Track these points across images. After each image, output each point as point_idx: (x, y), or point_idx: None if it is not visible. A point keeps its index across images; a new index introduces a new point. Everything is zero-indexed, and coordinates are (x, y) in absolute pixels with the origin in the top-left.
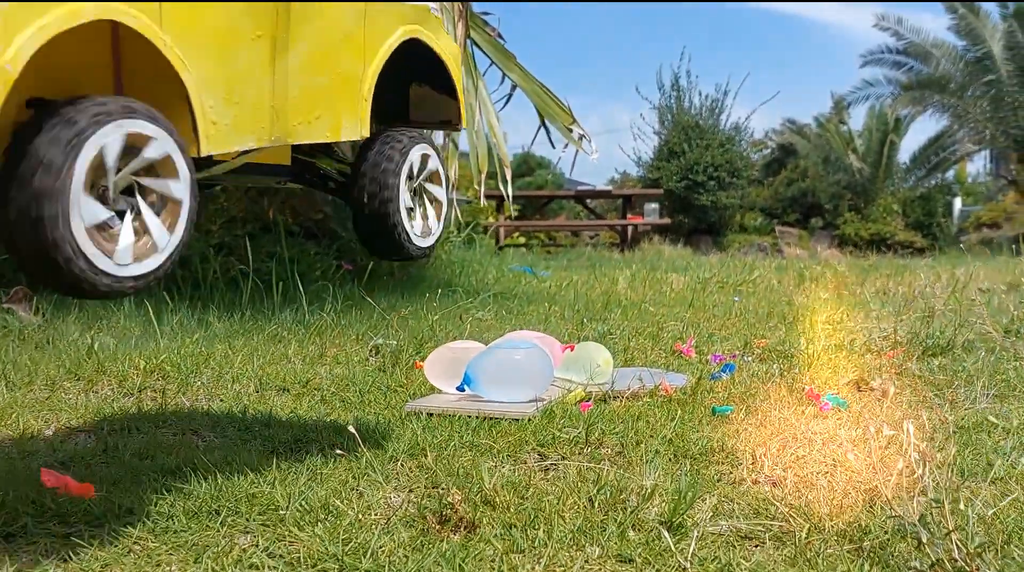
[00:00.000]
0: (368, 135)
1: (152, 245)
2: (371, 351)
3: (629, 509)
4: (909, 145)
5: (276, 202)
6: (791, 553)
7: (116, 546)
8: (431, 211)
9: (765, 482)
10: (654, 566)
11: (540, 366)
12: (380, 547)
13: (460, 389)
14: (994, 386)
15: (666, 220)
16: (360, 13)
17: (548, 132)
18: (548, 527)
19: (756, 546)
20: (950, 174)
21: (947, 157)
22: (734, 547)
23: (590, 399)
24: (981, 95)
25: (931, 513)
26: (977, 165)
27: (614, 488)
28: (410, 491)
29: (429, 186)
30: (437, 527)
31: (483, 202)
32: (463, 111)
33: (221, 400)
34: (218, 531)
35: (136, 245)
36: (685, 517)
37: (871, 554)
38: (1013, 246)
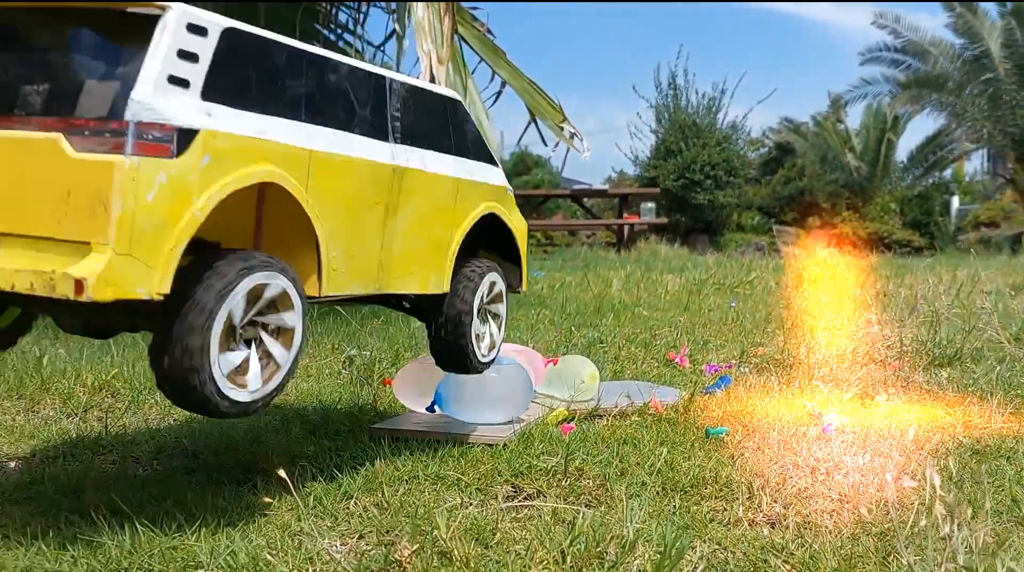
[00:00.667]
0: (448, 290)
1: (275, 367)
2: (344, 363)
3: (607, 564)
4: (907, 144)
5: None
6: None
7: None
8: (494, 327)
9: (763, 522)
10: None
11: (518, 385)
12: None
13: (430, 409)
14: (1010, 402)
15: (663, 219)
16: (455, 189)
17: (539, 130)
18: None
19: None
20: (948, 173)
21: (945, 156)
22: None
23: (573, 419)
24: (979, 94)
25: None
26: (975, 164)
27: (591, 537)
28: (360, 537)
29: (492, 306)
30: None
31: None
32: (525, 277)
33: (174, 420)
34: None
35: (263, 371)
36: None
37: None
38: (1013, 246)
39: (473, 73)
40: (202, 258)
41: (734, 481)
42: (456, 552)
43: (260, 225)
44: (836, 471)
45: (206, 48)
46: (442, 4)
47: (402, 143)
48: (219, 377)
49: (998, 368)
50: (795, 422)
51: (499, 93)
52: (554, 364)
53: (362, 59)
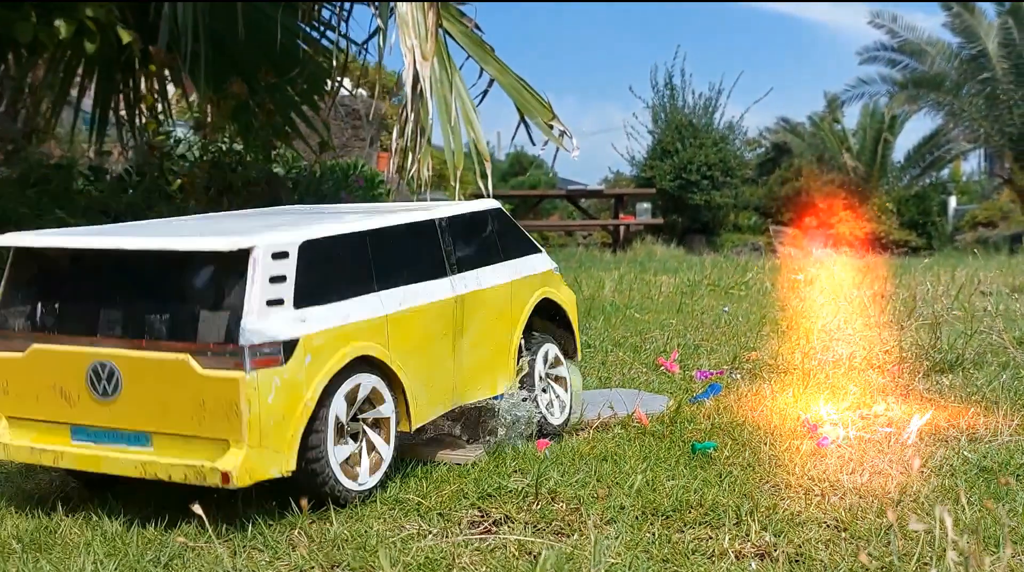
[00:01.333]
0: (516, 384)
1: (380, 459)
2: None
3: None
4: (904, 144)
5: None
6: None
7: None
8: (559, 390)
9: (751, 554)
10: None
11: None
12: None
13: None
14: (1016, 413)
15: (658, 220)
16: (509, 293)
17: (528, 128)
18: None
19: None
20: (945, 173)
21: (942, 155)
22: None
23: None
24: (976, 93)
25: None
26: (972, 164)
27: None
28: None
29: (553, 370)
30: None
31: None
32: (579, 345)
33: None
34: None
35: (370, 461)
36: None
37: None
38: (1011, 245)
39: (460, 69)
40: None
41: (720, 505)
42: None
43: None
44: (832, 492)
45: (290, 267)
46: (426, 1)
47: (458, 272)
48: (340, 474)
49: (1003, 375)
50: (788, 435)
51: (486, 91)
52: None
53: (345, 56)
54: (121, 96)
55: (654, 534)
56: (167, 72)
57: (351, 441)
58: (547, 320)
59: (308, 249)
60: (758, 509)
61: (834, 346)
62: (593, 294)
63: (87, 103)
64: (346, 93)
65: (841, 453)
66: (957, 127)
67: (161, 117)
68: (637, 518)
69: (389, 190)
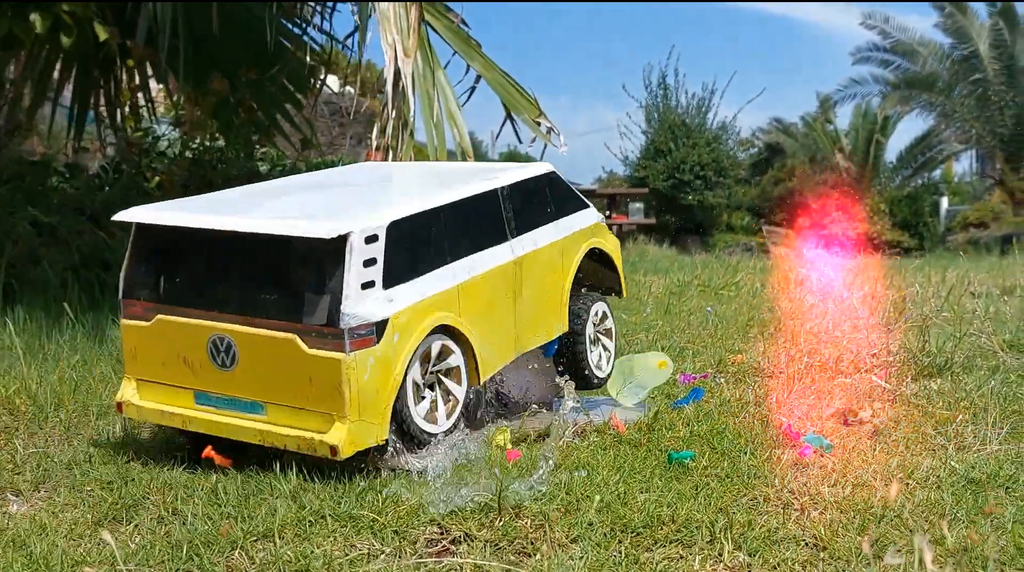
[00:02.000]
0: (568, 329)
1: (456, 402)
2: None
3: None
4: (896, 144)
5: None
6: None
7: None
8: (607, 341)
9: None
10: None
11: None
12: None
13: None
14: (1006, 420)
15: (651, 220)
16: (561, 249)
17: (514, 125)
18: None
19: None
20: (936, 173)
21: (934, 156)
22: None
23: (525, 441)
24: (968, 94)
25: None
26: (963, 164)
27: None
28: None
29: (602, 325)
30: None
31: None
32: (624, 283)
33: (74, 443)
34: None
35: (447, 407)
36: None
37: None
38: (1002, 247)
39: (446, 66)
40: None
41: (694, 521)
42: None
43: None
44: (812, 506)
45: (380, 250)
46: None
47: (517, 235)
48: (420, 420)
49: (992, 380)
50: (769, 444)
51: (474, 87)
52: None
53: (328, 53)
54: (102, 92)
55: (621, 553)
56: (148, 68)
57: (428, 391)
58: (594, 261)
59: (394, 230)
60: (733, 526)
61: (821, 349)
62: None
63: (70, 100)
64: (332, 91)
65: (824, 463)
66: (949, 128)
67: (143, 113)
68: (605, 535)
69: None
